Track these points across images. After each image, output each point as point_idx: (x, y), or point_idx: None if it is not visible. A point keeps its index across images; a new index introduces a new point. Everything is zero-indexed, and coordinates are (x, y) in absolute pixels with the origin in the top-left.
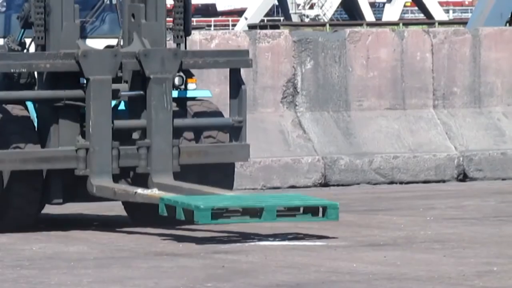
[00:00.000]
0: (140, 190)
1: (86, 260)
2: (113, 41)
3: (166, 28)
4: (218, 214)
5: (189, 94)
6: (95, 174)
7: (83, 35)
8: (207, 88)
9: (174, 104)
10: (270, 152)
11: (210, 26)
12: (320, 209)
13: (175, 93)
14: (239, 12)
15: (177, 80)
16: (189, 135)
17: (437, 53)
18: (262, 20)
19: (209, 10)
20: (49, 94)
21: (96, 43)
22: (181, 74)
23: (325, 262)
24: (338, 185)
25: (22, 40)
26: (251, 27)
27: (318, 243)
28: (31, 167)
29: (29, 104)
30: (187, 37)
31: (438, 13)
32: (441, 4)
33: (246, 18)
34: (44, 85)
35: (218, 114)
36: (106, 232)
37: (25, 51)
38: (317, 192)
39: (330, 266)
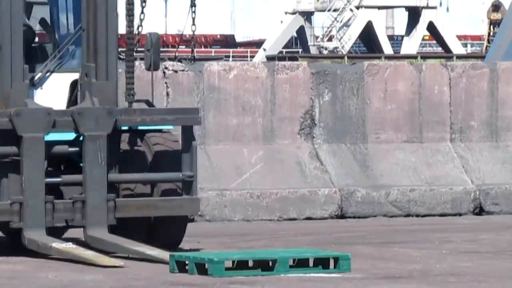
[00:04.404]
0: (55, 244)
1: None
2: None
3: (117, 86)
4: (231, 267)
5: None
6: (28, 228)
7: (51, 70)
8: (225, 119)
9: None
10: (287, 183)
11: (228, 57)
12: (332, 261)
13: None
14: (258, 44)
15: None
16: (144, 187)
17: (455, 87)
18: (281, 52)
19: (228, 41)
20: None
21: (63, 78)
22: (144, 105)
23: None
24: (354, 217)
25: None
26: (270, 58)
27: (334, 275)
28: None
29: None
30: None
31: (456, 47)
32: (459, 38)
33: (264, 49)
34: None
35: (176, 153)
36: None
37: None
38: (333, 223)
39: None
